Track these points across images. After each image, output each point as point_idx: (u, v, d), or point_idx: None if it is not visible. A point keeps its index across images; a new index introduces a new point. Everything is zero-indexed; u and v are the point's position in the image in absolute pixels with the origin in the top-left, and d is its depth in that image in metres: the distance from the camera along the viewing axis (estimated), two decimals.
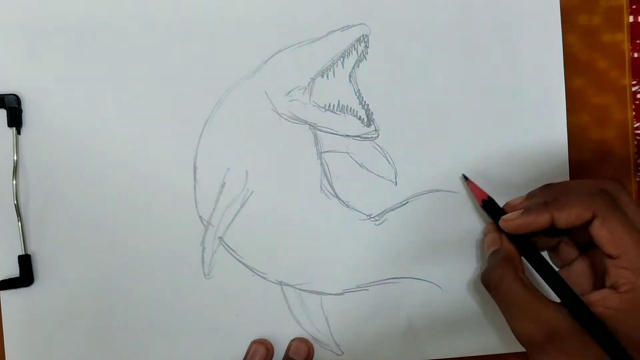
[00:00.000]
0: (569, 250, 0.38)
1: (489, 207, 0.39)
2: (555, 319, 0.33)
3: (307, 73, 0.41)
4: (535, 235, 0.37)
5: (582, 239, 0.37)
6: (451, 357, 0.43)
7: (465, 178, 0.41)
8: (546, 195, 0.37)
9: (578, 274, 0.38)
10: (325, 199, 0.42)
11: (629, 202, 0.35)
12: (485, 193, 0.40)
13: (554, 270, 0.36)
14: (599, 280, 0.36)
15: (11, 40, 0.40)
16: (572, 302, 0.34)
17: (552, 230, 0.36)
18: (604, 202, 0.34)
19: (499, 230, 0.38)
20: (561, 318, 0.33)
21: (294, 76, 0.41)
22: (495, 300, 0.36)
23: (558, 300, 0.34)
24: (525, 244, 0.37)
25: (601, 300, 0.33)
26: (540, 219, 0.35)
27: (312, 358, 0.41)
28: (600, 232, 0.33)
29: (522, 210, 0.36)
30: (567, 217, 0.34)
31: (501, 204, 0.39)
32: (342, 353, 0.42)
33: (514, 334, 0.35)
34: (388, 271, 0.42)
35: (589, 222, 0.34)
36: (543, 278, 0.36)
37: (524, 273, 0.36)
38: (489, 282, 0.36)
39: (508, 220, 0.37)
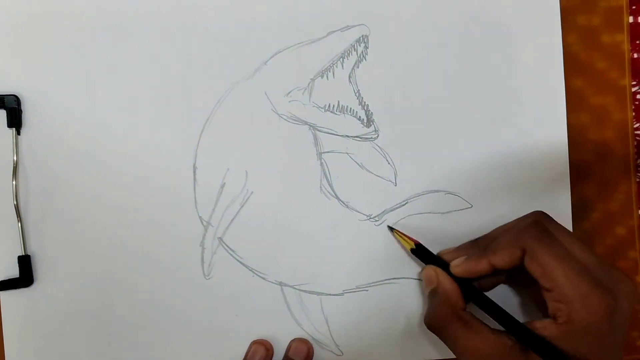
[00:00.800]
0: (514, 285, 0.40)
1: (419, 253, 0.40)
2: (497, 346, 0.34)
3: (307, 73, 0.41)
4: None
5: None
6: (451, 357, 0.42)
7: (391, 229, 0.41)
8: (481, 242, 0.38)
9: (526, 304, 0.39)
10: (325, 199, 0.42)
11: (559, 229, 0.36)
12: (413, 240, 0.40)
13: (494, 303, 0.37)
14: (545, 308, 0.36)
15: (11, 41, 0.40)
16: (514, 328, 0.35)
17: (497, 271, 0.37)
18: (532, 236, 0.35)
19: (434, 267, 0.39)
20: (501, 344, 0.34)
21: (294, 77, 0.41)
22: (442, 340, 0.37)
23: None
24: (465, 281, 0.38)
25: (542, 329, 0.34)
26: (480, 265, 0.36)
27: (311, 358, 0.41)
28: (532, 267, 0.34)
29: (464, 257, 0.38)
30: (501, 259, 0.35)
31: (504, 202, 0.39)
32: (342, 353, 0.42)
33: None
34: (388, 272, 0.42)
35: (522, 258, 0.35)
36: (485, 311, 0.37)
37: (464, 309, 0.37)
38: (432, 327, 0.37)
39: (455, 267, 0.38)
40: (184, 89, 0.41)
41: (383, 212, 0.42)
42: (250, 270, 0.41)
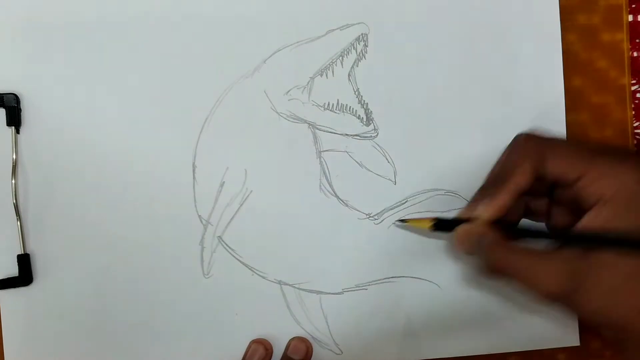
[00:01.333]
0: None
1: (442, 224, 0.38)
2: (566, 262, 0.33)
3: (306, 72, 0.41)
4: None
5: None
6: (450, 356, 0.42)
7: (403, 221, 0.40)
8: (489, 183, 0.37)
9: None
10: (324, 198, 0.42)
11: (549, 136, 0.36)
12: (427, 219, 0.38)
13: (536, 227, 0.36)
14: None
15: (10, 40, 0.40)
16: (567, 235, 0.33)
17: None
18: (536, 143, 0.34)
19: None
20: (569, 259, 0.33)
21: (293, 75, 0.41)
22: (509, 280, 0.34)
23: None
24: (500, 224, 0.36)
25: (590, 222, 0.33)
26: (506, 197, 0.35)
27: (310, 357, 0.41)
28: (553, 167, 0.33)
29: (485, 200, 0.36)
30: (522, 178, 0.34)
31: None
32: (341, 352, 0.42)
33: (544, 298, 0.33)
34: (387, 270, 0.42)
35: (543, 176, 0.34)
36: (532, 237, 0.35)
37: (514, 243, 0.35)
38: (495, 269, 0.35)
39: (485, 212, 0.36)
40: (183, 87, 0.41)
41: (382, 210, 0.42)
42: (250, 269, 0.41)
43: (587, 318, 0.33)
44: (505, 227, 0.36)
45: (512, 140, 0.37)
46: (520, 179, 0.34)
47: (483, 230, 0.35)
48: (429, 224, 0.38)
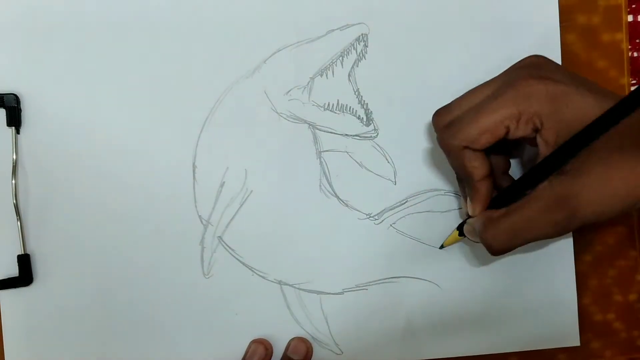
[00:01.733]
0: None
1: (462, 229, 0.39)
2: (545, 195, 0.33)
3: (306, 72, 0.41)
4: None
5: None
6: (451, 356, 0.42)
7: (442, 247, 0.41)
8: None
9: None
10: (324, 198, 0.42)
11: (454, 105, 0.36)
12: (455, 232, 0.39)
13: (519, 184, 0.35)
14: None
15: (10, 40, 0.40)
16: (535, 174, 0.33)
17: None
18: (451, 133, 0.34)
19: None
20: (545, 188, 0.33)
21: (293, 75, 0.41)
22: (519, 243, 0.34)
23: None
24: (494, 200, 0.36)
25: (543, 146, 0.33)
26: (480, 190, 0.35)
27: (311, 357, 0.41)
28: (486, 141, 0.34)
29: (467, 201, 0.37)
30: (478, 171, 0.35)
31: None
32: (342, 352, 0.42)
33: (557, 236, 0.34)
34: (387, 270, 0.42)
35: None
36: (517, 196, 0.35)
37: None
38: (498, 248, 0.34)
39: (473, 212, 0.36)
40: (183, 87, 0.41)
41: (382, 210, 0.42)
42: (250, 269, 0.41)
43: (603, 217, 0.33)
44: (495, 202, 0.36)
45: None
46: (477, 172, 0.35)
47: (473, 220, 0.37)
48: (457, 235, 0.39)
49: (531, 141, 0.34)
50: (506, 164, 0.39)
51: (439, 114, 0.36)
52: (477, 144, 0.34)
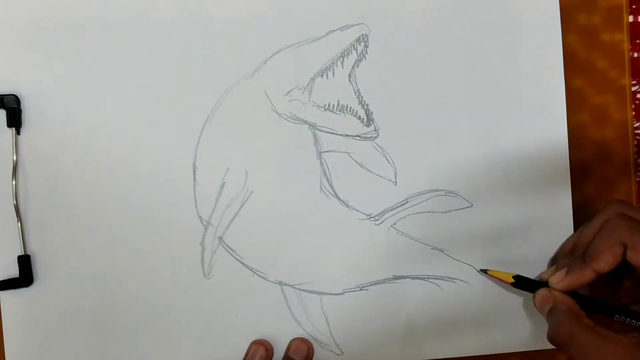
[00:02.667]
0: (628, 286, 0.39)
1: (521, 283, 0.39)
2: (630, 346, 0.33)
3: (307, 73, 0.41)
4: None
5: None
6: (451, 357, 0.42)
7: (484, 271, 0.41)
8: (577, 251, 0.37)
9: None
10: (324, 198, 0.41)
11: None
12: (509, 274, 0.40)
13: (612, 304, 0.36)
14: None
15: (11, 41, 0.40)
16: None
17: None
18: (627, 229, 0.34)
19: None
20: (633, 342, 0.33)
21: (294, 76, 0.41)
22: (571, 354, 0.35)
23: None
24: (577, 295, 0.37)
25: None
26: (585, 275, 0.36)
27: (311, 358, 0.41)
28: (636, 258, 0.34)
29: (565, 269, 0.37)
30: (604, 262, 0.35)
31: (504, 201, 0.39)
32: (342, 353, 0.42)
33: None
34: (388, 271, 0.42)
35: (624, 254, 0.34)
36: (608, 314, 0.36)
37: (587, 318, 0.35)
38: (559, 340, 0.35)
39: (558, 282, 0.37)
40: (183, 88, 0.41)
41: (383, 211, 0.42)
42: (250, 269, 0.41)
43: None
44: (585, 299, 0.37)
45: (605, 209, 0.37)
46: (603, 264, 0.35)
47: (558, 300, 0.37)
48: (510, 279, 0.39)
49: None
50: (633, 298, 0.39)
51: (625, 206, 0.36)
52: (633, 254, 0.34)
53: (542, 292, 0.38)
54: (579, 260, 0.36)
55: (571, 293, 0.37)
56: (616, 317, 0.36)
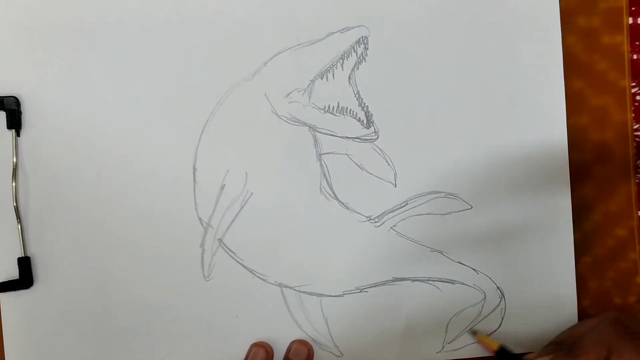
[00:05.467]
0: None
1: (503, 355, 0.39)
2: None
3: (307, 75, 0.41)
4: None
5: None
6: (450, 358, 0.42)
7: (474, 333, 0.41)
8: (565, 343, 0.38)
9: None
10: (324, 200, 0.41)
11: (637, 323, 0.36)
12: (496, 342, 0.40)
13: None
14: None
15: (11, 42, 0.39)
16: None
17: None
18: (616, 334, 0.35)
19: None
20: None
21: (294, 78, 0.41)
22: None
23: None
24: None
25: None
26: None
27: None
28: None
29: (550, 356, 0.37)
30: None
31: (504, 203, 0.39)
32: (342, 354, 0.42)
33: None
34: (387, 273, 0.41)
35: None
36: None
37: None
38: None
39: None
40: (184, 90, 0.40)
41: (383, 213, 0.41)
42: (250, 271, 0.41)
43: None
44: None
45: (604, 313, 0.38)
46: None
47: None
48: (495, 348, 0.39)
49: None
50: None
51: (621, 314, 0.38)
52: None
53: None
54: (565, 352, 0.37)
55: None
56: None
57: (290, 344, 0.41)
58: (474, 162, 0.41)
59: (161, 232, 0.40)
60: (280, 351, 0.41)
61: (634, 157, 0.43)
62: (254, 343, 0.40)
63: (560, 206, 0.41)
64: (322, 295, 0.41)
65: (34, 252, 0.40)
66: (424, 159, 0.41)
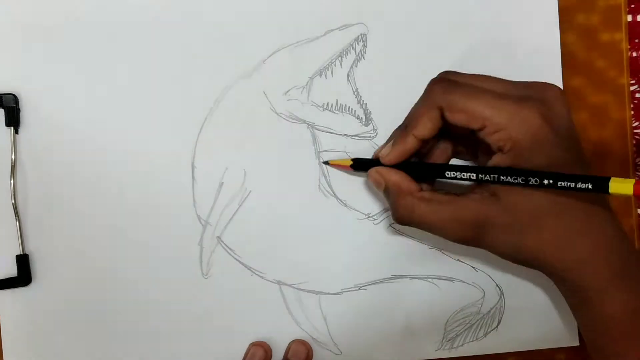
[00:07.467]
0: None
1: (359, 165, 0.38)
2: (472, 208, 0.33)
3: (305, 72, 0.40)
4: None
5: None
6: (450, 356, 0.42)
7: (326, 163, 0.40)
8: (402, 124, 0.37)
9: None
10: (323, 198, 0.41)
11: (465, 75, 0.35)
12: (348, 160, 0.39)
13: (442, 164, 0.36)
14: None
15: (9, 40, 0.39)
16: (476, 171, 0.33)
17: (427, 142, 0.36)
18: (441, 91, 0.33)
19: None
20: (475, 205, 0.33)
21: (292, 75, 0.40)
22: (421, 229, 0.35)
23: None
24: (408, 165, 0.36)
25: (495, 165, 0.33)
26: (408, 144, 0.35)
27: None
28: (455, 118, 0.33)
29: (391, 142, 0.36)
30: (423, 127, 0.34)
31: None
32: (341, 352, 0.41)
33: (454, 242, 0.34)
34: (386, 270, 0.41)
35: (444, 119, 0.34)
36: (443, 177, 0.35)
37: (420, 189, 0.35)
38: (403, 221, 0.35)
39: (385, 156, 0.36)
40: (182, 87, 0.40)
41: (381, 211, 0.41)
42: (249, 269, 0.41)
43: (501, 256, 0.34)
44: (414, 165, 0.36)
45: (432, 79, 0.36)
46: (422, 128, 0.34)
47: (388, 179, 0.36)
48: (349, 163, 0.38)
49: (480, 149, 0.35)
50: (447, 155, 0.38)
51: (448, 72, 0.35)
52: (450, 114, 0.33)
53: (372, 173, 0.37)
54: (402, 130, 0.36)
55: (403, 164, 0.36)
56: (448, 174, 0.34)
57: (289, 344, 0.40)
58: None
59: (159, 230, 0.40)
60: (277, 348, 0.40)
61: (633, 155, 0.43)
62: (253, 343, 0.40)
63: None
64: (320, 292, 0.41)
65: (32, 249, 0.39)
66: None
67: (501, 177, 0.32)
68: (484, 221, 0.33)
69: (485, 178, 0.33)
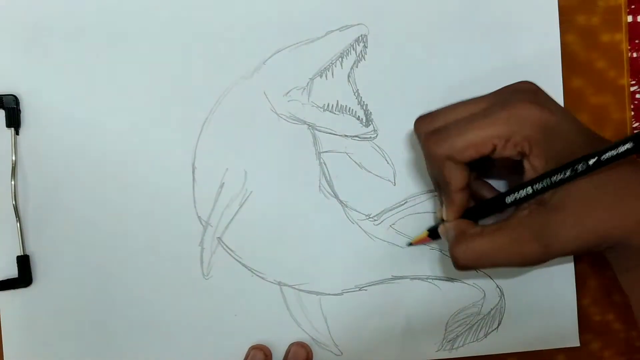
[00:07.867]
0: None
1: (434, 234, 0.38)
2: (526, 223, 0.33)
3: (306, 73, 0.40)
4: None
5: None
6: (450, 357, 0.42)
7: (410, 244, 0.40)
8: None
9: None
10: (323, 199, 0.41)
11: (441, 116, 0.35)
12: (425, 232, 0.39)
13: (497, 195, 0.35)
14: None
15: (10, 41, 0.39)
16: (517, 193, 0.33)
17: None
18: (433, 144, 0.34)
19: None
20: (528, 219, 0.33)
21: (293, 76, 0.40)
22: (485, 268, 0.35)
23: None
24: (467, 212, 0.36)
25: (532, 170, 0.33)
26: (455, 199, 0.35)
27: None
28: (464, 158, 0.33)
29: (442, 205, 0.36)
30: (454, 180, 0.34)
31: None
32: (341, 353, 0.41)
33: (526, 266, 0.35)
34: (387, 271, 0.41)
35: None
36: (494, 210, 0.35)
37: (475, 226, 0.34)
38: (461, 264, 0.34)
39: (445, 217, 0.36)
40: (182, 88, 0.40)
41: (382, 211, 0.41)
42: (249, 270, 0.41)
43: (573, 253, 0.34)
44: (475, 208, 0.36)
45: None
46: (454, 181, 0.34)
47: (448, 228, 0.35)
48: (426, 234, 0.38)
49: (515, 166, 0.34)
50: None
51: (422, 120, 0.35)
52: (460, 156, 0.33)
53: (440, 230, 0.36)
54: (439, 191, 0.36)
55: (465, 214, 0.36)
56: (508, 200, 0.34)
57: (289, 346, 0.40)
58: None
59: (160, 231, 0.40)
60: (278, 350, 0.40)
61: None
62: (253, 346, 0.40)
63: None
64: (321, 293, 0.41)
65: (33, 250, 0.39)
66: (423, 158, 0.41)
67: (552, 178, 0.32)
68: (542, 230, 0.32)
69: (541, 186, 0.32)
